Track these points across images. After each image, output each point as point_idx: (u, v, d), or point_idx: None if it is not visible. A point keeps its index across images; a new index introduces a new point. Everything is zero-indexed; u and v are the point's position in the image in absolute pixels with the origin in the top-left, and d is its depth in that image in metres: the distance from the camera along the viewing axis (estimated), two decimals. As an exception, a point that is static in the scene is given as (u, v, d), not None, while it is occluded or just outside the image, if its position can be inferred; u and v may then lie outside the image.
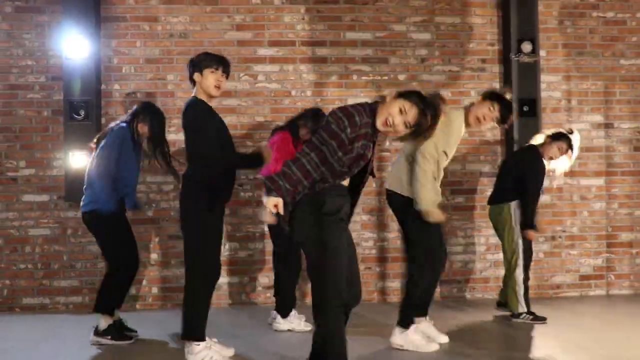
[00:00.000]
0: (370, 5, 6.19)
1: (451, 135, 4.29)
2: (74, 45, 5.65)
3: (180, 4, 6.02)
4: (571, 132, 5.26)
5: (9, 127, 5.87)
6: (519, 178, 5.12)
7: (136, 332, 4.64)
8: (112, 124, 4.77)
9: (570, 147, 5.17)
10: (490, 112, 4.38)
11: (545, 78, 6.30)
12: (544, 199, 6.08)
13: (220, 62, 4.07)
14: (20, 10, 5.91)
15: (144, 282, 5.88)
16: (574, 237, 6.31)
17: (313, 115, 4.81)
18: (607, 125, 6.42)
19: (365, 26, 6.21)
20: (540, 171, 5.19)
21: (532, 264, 5.31)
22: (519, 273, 5.07)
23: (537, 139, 5.31)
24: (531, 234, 5.08)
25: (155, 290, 5.92)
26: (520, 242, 5.08)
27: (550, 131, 5.31)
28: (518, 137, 6.01)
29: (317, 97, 6.07)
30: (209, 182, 3.94)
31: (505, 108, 4.42)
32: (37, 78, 5.94)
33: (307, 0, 6.14)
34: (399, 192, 4.32)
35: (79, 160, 5.63)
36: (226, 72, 4.11)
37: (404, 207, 4.30)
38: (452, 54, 6.28)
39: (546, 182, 5.40)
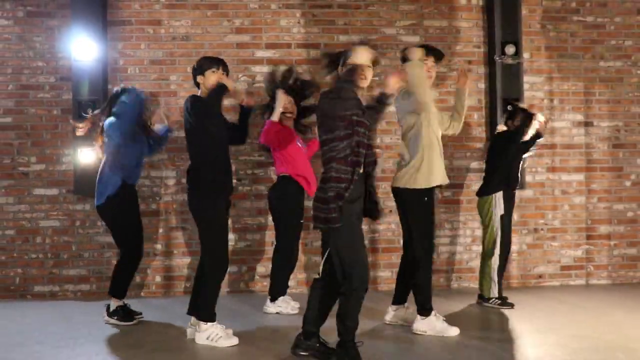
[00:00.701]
0: (362, 9, 6.40)
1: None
2: (82, 48, 5.85)
3: (182, 9, 6.24)
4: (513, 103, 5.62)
5: (20, 125, 6.09)
6: (499, 166, 5.44)
7: (141, 314, 4.98)
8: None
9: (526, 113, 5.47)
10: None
11: (528, 79, 6.49)
12: (526, 193, 6.39)
13: (219, 62, 4.43)
14: (31, 14, 6.12)
15: (148, 272, 6.12)
16: (555, 229, 6.53)
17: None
18: (587, 124, 6.62)
19: (358, 29, 6.39)
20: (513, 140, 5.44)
21: (510, 255, 5.61)
22: (495, 260, 5.35)
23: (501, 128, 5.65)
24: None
25: (158, 279, 6.17)
26: (499, 232, 5.37)
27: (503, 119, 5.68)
28: None
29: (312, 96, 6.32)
30: (213, 177, 4.27)
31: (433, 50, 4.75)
32: (47, 79, 6.15)
33: (302, 4, 6.35)
34: (408, 187, 4.49)
35: (87, 156, 5.81)
36: (226, 70, 4.44)
37: (411, 201, 4.52)
38: None
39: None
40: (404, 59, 4.59)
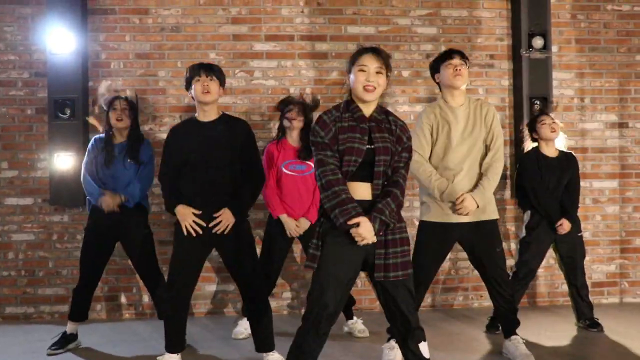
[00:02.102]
0: None
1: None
2: (59, 40, 5.48)
3: None
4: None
5: None
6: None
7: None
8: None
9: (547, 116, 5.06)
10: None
11: (557, 75, 6.12)
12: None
13: (200, 68, 3.97)
14: (1, 1, 5.69)
15: (134, 290, 5.66)
16: (586, 242, 5.92)
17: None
18: (622, 125, 6.26)
19: (368, 20, 6.02)
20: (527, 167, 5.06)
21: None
22: None
23: (529, 144, 5.21)
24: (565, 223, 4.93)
25: (146, 299, 5.67)
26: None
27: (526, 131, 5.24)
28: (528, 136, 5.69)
29: (317, 94, 5.81)
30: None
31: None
32: (20, 74, 5.74)
33: None
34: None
35: (65, 161, 5.47)
36: (211, 74, 3.95)
37: None
38: (458, 49, 6.01)
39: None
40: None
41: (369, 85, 3.07)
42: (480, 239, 4.12)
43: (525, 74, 5.90)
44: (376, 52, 3.16)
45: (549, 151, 5.01)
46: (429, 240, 4.12)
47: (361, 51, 3.18)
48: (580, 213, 5.95)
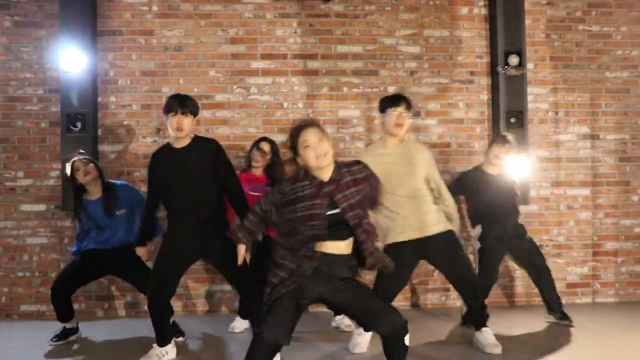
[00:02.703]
0: (361, 18, 6.26)
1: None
2: (71, 59, 5.70)
3: (175, 18, 6.09)
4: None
5: (7, 139, 5.94)
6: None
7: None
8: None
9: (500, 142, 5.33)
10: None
11: (532, 90, 6.34)
12: (530, 208, 6.22)
13: (177, 104, 4.27)
14: (19, 24, 5.98)
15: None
16: (560, 246, 6.37)
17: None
18: (593, 137, 6.47)
19: (356, 39, 6.27)
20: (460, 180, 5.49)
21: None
22: None
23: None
24: None
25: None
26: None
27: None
28: None
29: (309, 109, 6.15)
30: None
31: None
32: (35, 90, 5.99)
33: (299, 13, 6.20)
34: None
35: None
36: (185, 110, 4.27)
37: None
38: (440, 67, 6.34)
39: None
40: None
41: (320, 156, 3.25)
42: (438, 251, 4.46)
43: (502, 90, 6.13)
44: (311, 125, 3.35)
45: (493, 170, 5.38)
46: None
47: (298, 129, 3.33)
48: (554, 219, 6.36)
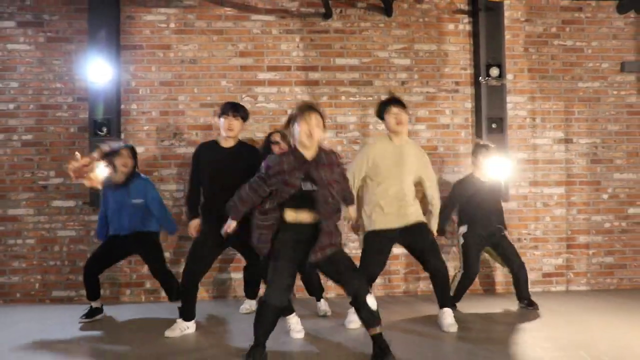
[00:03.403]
0: (357, 34, 6.82)
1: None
2: (97, 70, 6.25)
3: (190, 34, 6.67)
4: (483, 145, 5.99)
5: (40, 142, 6.52)
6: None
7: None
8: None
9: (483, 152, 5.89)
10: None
11: (512, 99, 6.89)
12: (510, 205, 6.77)
13: (230, 108, 4.96)
14: (51, 40, 6.56)
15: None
16: (537, 239, 6.90)
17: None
18: (567, 141, 6.98)
19: (353, 53, 6.81)
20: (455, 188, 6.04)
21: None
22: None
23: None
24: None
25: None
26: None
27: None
28: None
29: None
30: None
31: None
32: (65, 99, 6.55)
33: (301, 30, 6.77)
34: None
35: (101, 171, 6.02)
36: (237, 114, 4.96)
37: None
38: (429, 77, 6.87)
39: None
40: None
41: (310, 137, 3.94)
42: (413, 238, 5.08)
43: (484, 98, 6.68)
44: (317, 111, 4.01)
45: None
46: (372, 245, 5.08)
47: (307, 108, 3.99)
48: (532, 215, 6.87)
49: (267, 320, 3.98)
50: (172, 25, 6.69)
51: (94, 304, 5.65)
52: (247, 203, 4.13)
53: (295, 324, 4.86)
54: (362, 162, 5.11)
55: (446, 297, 5.14)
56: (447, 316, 5.08)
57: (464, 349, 4.46)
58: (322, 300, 5.77)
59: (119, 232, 5.57)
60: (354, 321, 5.13)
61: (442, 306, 5.13)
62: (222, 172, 4.92)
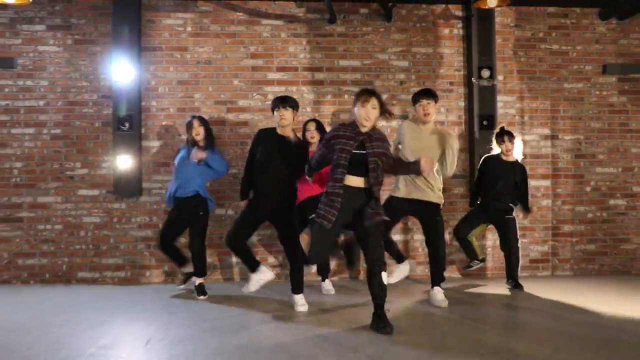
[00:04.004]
0: (359, 38, 7.35)
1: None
2: (120, 70, 6.78)
3: (205, 37, 7.20)
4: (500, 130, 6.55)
5: (67, 136, 7.05)
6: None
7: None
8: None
9: (506, 138, 6.43)
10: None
11: (502, 98, 7.41)
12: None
13: (279, 101, 5.52)
14: (78, 42, 7.10)
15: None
16: (525, 228, 7.40)
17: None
18: (553, 137, 7.50)
19: (355, 55, 7.33)
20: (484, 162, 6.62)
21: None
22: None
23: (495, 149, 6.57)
24: None
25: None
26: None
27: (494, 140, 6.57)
28: (478, 146, 7.13)
29: (316, 112, 7.20)
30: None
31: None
32: (91, 96, 7.07)
33: (308, 33, 7.29)
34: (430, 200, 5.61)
35: (124, 162, 6.84)
36: (285, 105, 5.47)
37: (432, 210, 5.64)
38: (425, 78, 7.40)
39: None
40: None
41: (365, 119, 4.55)
42: (425, 213, 5.66)
43: (476, 98, 7.20)
44: (379, 97, 4.62)
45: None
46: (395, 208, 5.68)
47: (371, 93, 4.61)
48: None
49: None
50: (189, 28, 7.23)
51: (186, 269, 6.38)
52: (317, 164, 4.92)
53: (299, 299, 5.43)
54: (395, 139, 5.86)
55: (437, 276, 5.68)
56: (438, 293, 5.63)
57: (452, 319, 5.03)
58: (327, 280, 6.33)
59: (178, 193, 6.05)
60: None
61: (433, 285, 5.69)
62: (275, 156, 5.41)
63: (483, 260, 6.75)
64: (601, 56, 7.65)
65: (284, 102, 5.49)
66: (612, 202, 7.61)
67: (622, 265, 7.60)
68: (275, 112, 5.51)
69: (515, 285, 6.42)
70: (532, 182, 7.41)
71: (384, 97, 7.01)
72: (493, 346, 4.09)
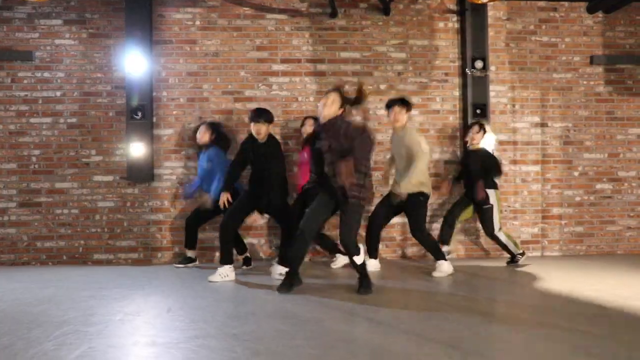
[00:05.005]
0: (359, 31, 7.72)
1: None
2: (133, 62, 7.13)
3: (213, 30, 7.55)
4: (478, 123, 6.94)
5: (83, 124, 7.40)
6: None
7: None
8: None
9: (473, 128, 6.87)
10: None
11: (494, 88, 7.78)
12: (492, 181, 7.69)
13: (255, 116, 6.03)
14: (92, 35, 7.45)
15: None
16: (516, 211, 7.81)
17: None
18: (543, 125, 7.88)
19: (355, 47, 7.70)
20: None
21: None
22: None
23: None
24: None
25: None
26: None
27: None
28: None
29: (318, 102, 7.37)
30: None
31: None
32: (105, 87, 7.43)
33: (310, 27, 7.65)
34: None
35: (137, 149, 7.19)
36: (259, 120, 6.03)
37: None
38: (422, 69, 7.77)
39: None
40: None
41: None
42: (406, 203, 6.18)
43: (469, 87, 7.57)
44: (330, 91, 5.33)
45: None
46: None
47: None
48: (511, 189, 7.76)
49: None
50: (197, 22, 7.59)
51: (189, 254, 6.98)
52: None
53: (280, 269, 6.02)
54: None
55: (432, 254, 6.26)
56: (441, 264, 6.23)
57: (444, 291, 5.46)
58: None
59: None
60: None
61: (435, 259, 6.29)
62: (257, 160, 6.06)
63: (523, 254, 6.98)
64: (588, 48, 8.02)
65: (259, 117, 5.96)
66: (598, 186, 8.01)
67: (608, 246, 8.00)
68: (251, 125, 5.98)
69: (512, 260, 6.90)
70: (522, 168, 7.86)
71: (382, 87, 7.51)
72: (480, 311, 4.51)
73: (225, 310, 4.58)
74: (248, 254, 6.96)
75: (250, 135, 6.10)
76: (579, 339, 3.61)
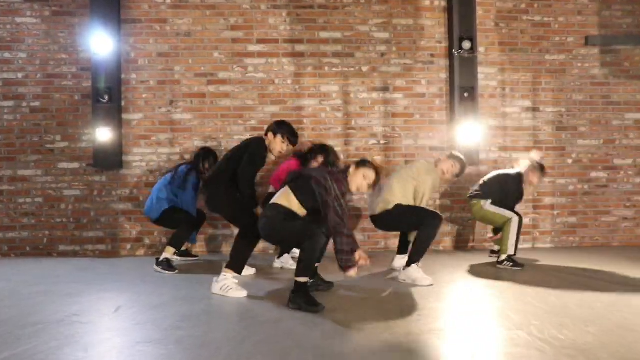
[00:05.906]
0: (340, 10, 7.33)
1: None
2: (99, 42, 6.77)
3: (185, 9, 7.17)
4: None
5: (47, 109, 7.04)
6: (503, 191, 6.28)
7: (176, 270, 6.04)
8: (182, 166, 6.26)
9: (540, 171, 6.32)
10: (452, 167, 5.63)
11: (483, 70, 7.40)
12: (481, 169, 7.30)
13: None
14: (56, 13, 7.07)
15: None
16: None
17: (321, 150, 5.98)
18: (535, 109, 7.52)
19: (336, 27, 7.31)
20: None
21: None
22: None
23: (522, 165, 6.38)
24: None
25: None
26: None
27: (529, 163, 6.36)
28: (459, 118, 7.16)
29: (296, 85, 7.23)
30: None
31: (462, 168, 5.66)
32: (70, 69, 7.06)
33: (288, 5, 7.27)
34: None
35: (104, 135, 6.84)
36: (293, 143, 5.11)
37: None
38: (406, 50, 7.40)
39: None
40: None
41: None
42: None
43: (457, 69, 7.20)
44: None
45: None
46: None
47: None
48: None
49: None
50: (168, 0, 7.20)
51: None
52: None
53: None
54: None
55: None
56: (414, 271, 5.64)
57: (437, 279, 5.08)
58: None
59: None
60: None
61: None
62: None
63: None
64: (583, 28, 7.64)
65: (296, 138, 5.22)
66: (593, 174, 7.64)
67: (603, 238, 7.64)
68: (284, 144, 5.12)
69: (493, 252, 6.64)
70: (513, 155, 7.48)
71: (365, 69, 7.18)
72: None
73: (179, 309, 4.19)
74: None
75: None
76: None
